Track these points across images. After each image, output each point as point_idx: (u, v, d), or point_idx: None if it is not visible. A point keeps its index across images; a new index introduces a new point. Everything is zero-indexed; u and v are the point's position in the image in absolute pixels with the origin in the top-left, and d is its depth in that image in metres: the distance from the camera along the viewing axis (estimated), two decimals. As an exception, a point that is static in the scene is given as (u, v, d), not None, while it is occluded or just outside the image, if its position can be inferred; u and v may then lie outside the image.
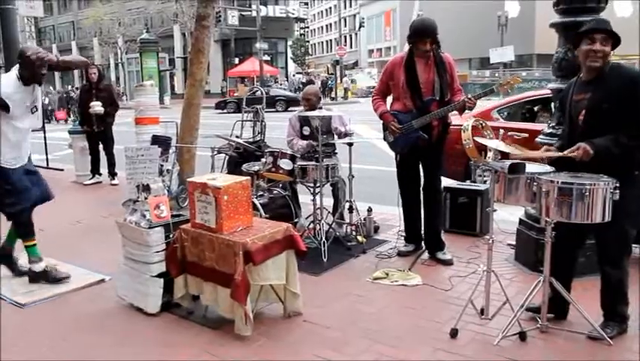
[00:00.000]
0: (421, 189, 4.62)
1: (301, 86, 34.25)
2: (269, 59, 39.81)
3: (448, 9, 43.20)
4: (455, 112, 4.47)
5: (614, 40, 3.06)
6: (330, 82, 37.90)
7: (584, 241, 3.37)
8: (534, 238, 4.15)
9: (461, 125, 5.18)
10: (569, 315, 3.35)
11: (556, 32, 4.19)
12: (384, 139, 4.66)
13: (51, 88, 34.94)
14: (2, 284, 4.20)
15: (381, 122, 4.62)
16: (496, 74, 31.60)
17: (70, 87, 37.54)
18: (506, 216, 5.25)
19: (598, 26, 3.08)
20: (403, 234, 4.85)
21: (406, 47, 4.50)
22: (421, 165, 4.58)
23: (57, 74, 46.89)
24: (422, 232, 4.71)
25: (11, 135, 4.05)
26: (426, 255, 4.63)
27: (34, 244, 4.26)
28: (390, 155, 4.79)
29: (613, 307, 3.17)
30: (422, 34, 4.27)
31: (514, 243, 4.64)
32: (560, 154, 3.11)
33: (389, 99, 4.66)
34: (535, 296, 3.23)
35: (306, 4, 66.46)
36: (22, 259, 4.40)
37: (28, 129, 4.21)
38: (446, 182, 5.60)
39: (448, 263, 4.46)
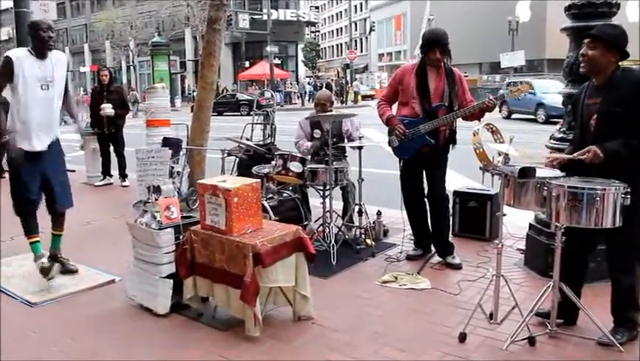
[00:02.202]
0: (425, 195, 4.61)
1: (313, 90, 34.27)
2: (279, 62, 39.92)
3: (458, 13, 43.14)
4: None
5: (606, 43, 3.01)
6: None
7: (594, 247, 3.34)
8: (544, 242, 4.13)
9: None
10: (579, 321, 3.32)
11: (567, 37, 4.17)
12: (389, 144, 4.64)
13: None
14: (14, 283, 4.24)
15: (387, 127, 4.61)
16: (506, 79, 31.50)
17: (81, 90, 37.79)
18: (516, 221, 5.22)
19: (589, 31, 3.12)
20: (412, 238, 4.84)
21: (416, 52, 4.51)
22: (425, 173, 4.57)
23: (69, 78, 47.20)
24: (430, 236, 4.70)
25: (16, 108, 4.03)
26: (435, 259, 4.63)
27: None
28: (399, 158, 4.78)
29: (623, 313, 3.15)
30: (431, 43, 4.34)
31: (523, 248, 4.62)
32: (570, 157, 3.10)
33: (394, 107, 4.66)
34: (545, 301, 3.21)
35: (317, 8, 66.67)
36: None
37: (35, 106, 4.04)
38: (456, 186, 5.60)
39: (457, 267, 4.45)
